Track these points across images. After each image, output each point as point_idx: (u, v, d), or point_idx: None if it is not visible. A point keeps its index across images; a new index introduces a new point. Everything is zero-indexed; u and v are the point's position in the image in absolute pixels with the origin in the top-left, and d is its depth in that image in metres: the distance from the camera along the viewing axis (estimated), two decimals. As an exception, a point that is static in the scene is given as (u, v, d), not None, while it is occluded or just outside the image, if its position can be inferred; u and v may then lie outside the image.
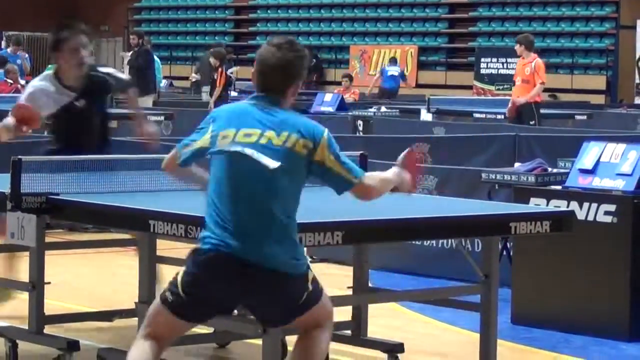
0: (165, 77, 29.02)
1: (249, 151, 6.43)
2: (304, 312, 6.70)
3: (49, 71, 9.91)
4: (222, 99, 25.14)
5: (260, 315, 6.86)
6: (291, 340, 8.29)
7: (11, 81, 26.33)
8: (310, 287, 6.68)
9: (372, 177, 6.92)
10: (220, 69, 25.93)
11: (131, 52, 27.28)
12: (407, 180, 7.06)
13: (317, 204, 8.14)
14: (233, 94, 27.56)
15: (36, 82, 9.80)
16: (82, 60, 9.84)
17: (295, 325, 6.86)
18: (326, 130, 6.65)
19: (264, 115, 6.56)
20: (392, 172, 7.08)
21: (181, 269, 6.56)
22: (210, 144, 6.60)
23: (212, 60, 27.00)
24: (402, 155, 7.19)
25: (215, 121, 6.67)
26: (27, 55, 29.36)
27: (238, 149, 6.46)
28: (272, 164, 6.42)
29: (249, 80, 35.17)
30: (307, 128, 6.57)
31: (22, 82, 25.14)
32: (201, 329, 8.78)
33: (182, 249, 8.37)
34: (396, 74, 31.69)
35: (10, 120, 9.42)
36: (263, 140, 6.48)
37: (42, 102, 9.60)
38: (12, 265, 9.78)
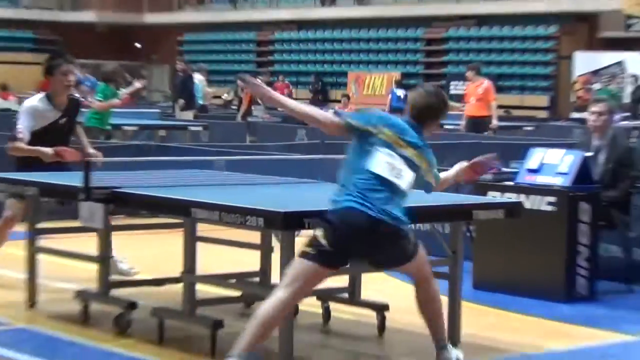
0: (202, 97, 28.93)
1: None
2: (410, 260, 6.86)
3: (41, 94, 9.82)
4: (248, 114, 25.13)
5: (379, 260, 6.91)
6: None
7: (82, 98, 26.26)
8: (412, 241, 6.86)
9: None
10: (246, 91, 25.89)
11: (177, 77, 27.22)
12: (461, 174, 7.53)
13: (320, 196, 8.19)
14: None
15: (31, 103, 9.69)
16: (70, 83, 9.82)
17: (405, 270, 7.05)
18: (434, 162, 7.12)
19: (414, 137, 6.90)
20: (454, 169, 7.58)
21: (318, 230, 6.59)
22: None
23: (238, 83, 27.00)
24: (480, 158, 7.74)
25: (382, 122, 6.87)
26: (93, 78, 29.28)
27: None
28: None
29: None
30: (431, 158, 7.05)
31: (90, 99, 25.00)
32: (233, 292, 8.82)
33: (217, 231, 8.44)
34: (402, 95, 31.44)
35: (50, 150, 9.42)
36: None
37: (36, 119, 9.55)
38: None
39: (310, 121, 6.93)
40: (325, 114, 7.02)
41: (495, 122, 21.32)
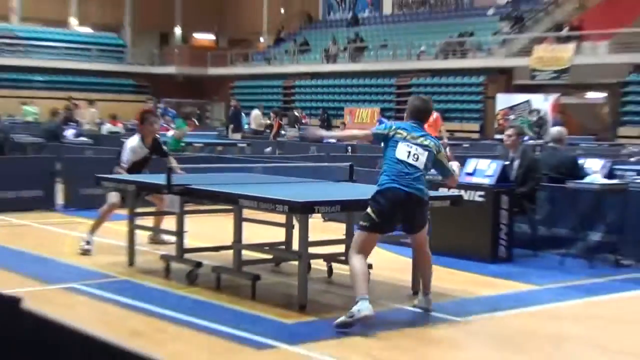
0: (247, 124, 28.96)
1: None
2: (424, 225, 6.97)
3: (137, 135, 10.02)
4: (277, 135, 25.10)
5: (411, 224, 6.93)
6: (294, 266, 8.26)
7: (166, 125, 26.26)
8: (428, 212, 7.06)
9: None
10: (276, 119, 25.88)
11: (230, 110, 27.27)
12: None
13: (326, 191, 8.14)
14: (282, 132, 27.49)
15: (132, 144, 9.90)
16: (155, 131, 10.18)
17: (417, 235, 7.00)
18: (440, 143, 7.12)
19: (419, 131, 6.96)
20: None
21: (369, 208, 6.66)
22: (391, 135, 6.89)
23: (272, 114, 27.01)
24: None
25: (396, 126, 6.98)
26: (174, 111, 29.28)
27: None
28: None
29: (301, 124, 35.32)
30: (437, 142, 7.00)
31: (172, 126, 24.97)
32: (265, 255, 8.79)
33: (256, 214, 8.43)
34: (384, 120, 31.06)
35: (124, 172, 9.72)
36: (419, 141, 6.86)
37: (136, 153, 9.85)
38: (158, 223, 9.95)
39: (354, 140, 7.11)
40: (361, 132, 7.18)
41: (445, 140, 21.30)
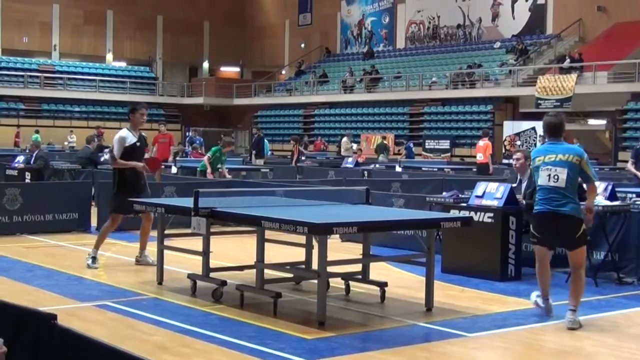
0: (270, 150, 28.98)
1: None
2: (573, 246, 7.10)
3: (127, 126, 10.10)
4: (298, 161, 25.05)
5: (562, 242, 7.24)
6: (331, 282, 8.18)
7: (194, 151, 26.36)
8: (582, 231, 7.05)
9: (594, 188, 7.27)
10: (296, 146, 25.84)
11: (253, 138, 27.23)
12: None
13: (344, 213, 8.04)
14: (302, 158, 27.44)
15: (120, 133, 9.90)
16: (143, 122, 10.18)
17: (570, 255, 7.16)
18: (584, 152, 7.08)
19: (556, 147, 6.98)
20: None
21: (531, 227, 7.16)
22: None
23: (291, 141, 26.98)
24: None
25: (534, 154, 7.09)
26: (201, 138, 29.29)
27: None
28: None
29: (310, 151, 35.29)
30: (577, 151, 6.90)
31: (200, 152, 25.01)
32: (286, 274, 8.69)
33: (277, 235, 8.34)
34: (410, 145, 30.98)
35: (140, 164, 9.79)
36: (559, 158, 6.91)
37: (124, 141, 9.80)
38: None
39: None
40: None
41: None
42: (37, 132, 34.43)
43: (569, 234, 6.81)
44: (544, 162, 6.73)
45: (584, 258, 7.17)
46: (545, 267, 7.31)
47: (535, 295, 7.57)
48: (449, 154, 33.57)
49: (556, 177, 6.73)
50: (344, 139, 30.46)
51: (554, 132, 6.92)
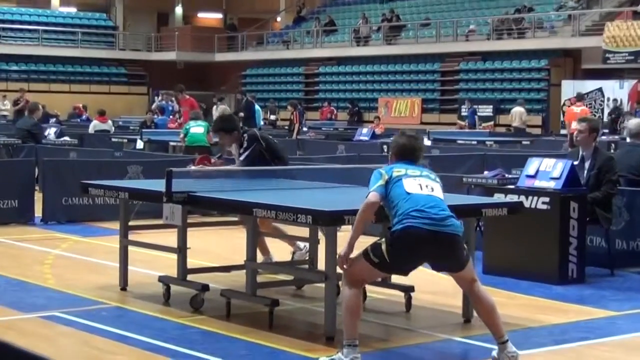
0: (263, 119, 29.02)
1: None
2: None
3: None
4: (299, 132, 25.07)
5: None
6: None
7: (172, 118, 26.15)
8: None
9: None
10: (295, 113, 25.85)
11: (240, 103, 27.19)
12: None
13: (356, 198, 8.07)
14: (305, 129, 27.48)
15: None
16: None
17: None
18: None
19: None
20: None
21: (382, 241, 6.36)
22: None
23: (289, 107, 27.00)
24: None
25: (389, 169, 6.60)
26: (176, 104, 29.15)
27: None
28: None
29: (315, 120, 35.31)
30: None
31: (180, 121, 24.86)
32: (284, 276, 8.74)
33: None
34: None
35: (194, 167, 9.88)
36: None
37: None
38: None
39: (367, 219, 6.64)
40: (364, 207, 6.59)
41: None
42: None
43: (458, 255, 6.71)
44: (404, 174, 6.59)
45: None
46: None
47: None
48: (491, 123, 33.56)
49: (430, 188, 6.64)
50: (517, 108, 28.50)
51: (404, 155, 6.75)
